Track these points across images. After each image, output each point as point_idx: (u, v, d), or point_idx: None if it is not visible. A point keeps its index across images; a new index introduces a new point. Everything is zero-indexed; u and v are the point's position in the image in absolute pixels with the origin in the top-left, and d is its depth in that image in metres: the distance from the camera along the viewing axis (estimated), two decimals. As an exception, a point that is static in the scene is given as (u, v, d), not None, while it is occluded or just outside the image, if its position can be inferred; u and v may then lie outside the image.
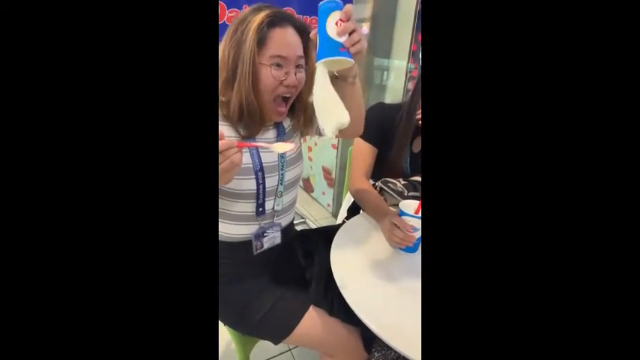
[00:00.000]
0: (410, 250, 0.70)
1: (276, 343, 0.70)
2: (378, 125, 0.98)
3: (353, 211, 1.05)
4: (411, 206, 0.69)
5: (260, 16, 0.58)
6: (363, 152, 1.01)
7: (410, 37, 1.41)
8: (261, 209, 0.68)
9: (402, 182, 0.88)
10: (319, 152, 2.06)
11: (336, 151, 1.88)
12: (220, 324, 0.74)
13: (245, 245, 0.70)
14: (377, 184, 0.95)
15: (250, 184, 0.65)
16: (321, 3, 0.49)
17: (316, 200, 2.19)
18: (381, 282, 0.62)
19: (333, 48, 0.49)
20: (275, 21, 0.59)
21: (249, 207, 0.67)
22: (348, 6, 0.49)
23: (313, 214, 2.05)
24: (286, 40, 0.60)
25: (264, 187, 0.67)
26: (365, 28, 1.58)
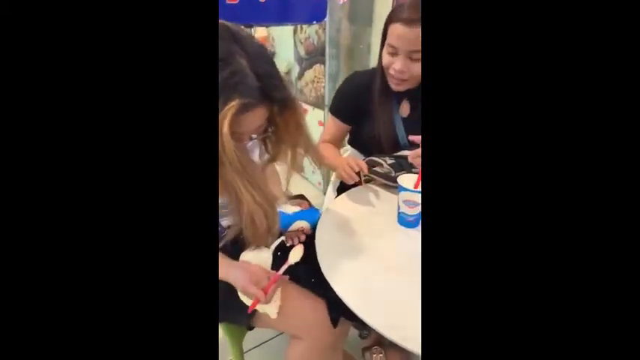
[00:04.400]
0: (411, 225, 0.68)
1: (245, 324, 0.70)
2: (350, 98, 0.94)
3: (341, 191, 1.01)
4: (410, 181, 0.67)
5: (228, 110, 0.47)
6: (328, 125, 0.99)
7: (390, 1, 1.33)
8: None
9: (389, 162, 0.83)
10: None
11: (322, 128, 1.82)
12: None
13: None
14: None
15: None
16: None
17: (307, 179, 2.15)
18: (367, 264, 0.59)
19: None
20: (245, 108, 0.49)
21: None
22: None
23: (305, 194, 2.03)
24: (253, 120, 0.53)
25: None
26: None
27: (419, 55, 0.76)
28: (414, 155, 0.76)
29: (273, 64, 0.53)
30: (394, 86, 0.84)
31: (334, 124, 0.98)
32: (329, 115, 0.99)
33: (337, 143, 1.02)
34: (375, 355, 1.05)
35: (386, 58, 0.80)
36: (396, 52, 0.78)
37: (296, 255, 0.63)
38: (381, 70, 0.85)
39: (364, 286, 0.54)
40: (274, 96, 0.52)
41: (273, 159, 0.66)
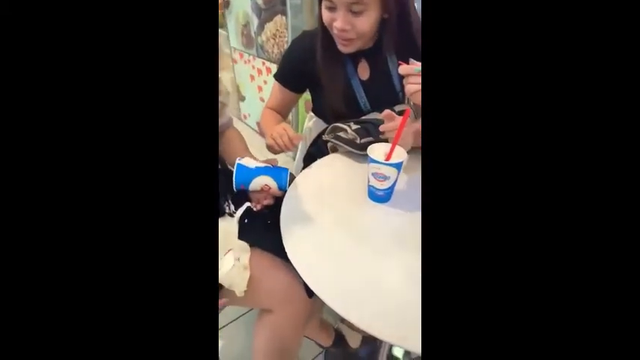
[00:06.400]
0: (381, 199, 0.63)
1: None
2: (296, 64, 0.82)
3: (308, 159, 0.95)
4: (381, 152, 0.59)
5: None
6: (273, 91, 0.90)
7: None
8: None
9: (354, 127, 0.74)
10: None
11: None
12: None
13: None
14: (326, 136, 0.81)
15: None
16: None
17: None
18: (333, 242, 0.55)
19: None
20: None
21: None
22: None
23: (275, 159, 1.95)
24: None
25: None
26: None
27: (361, 7, 0.63)
28: (389, 128, 0.66)
29: None
30: (341, 47, 0.71)
31: (279, 91, 0.88)
32: (274, 81, 0.88)
33: (283, 111, 0.92)
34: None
35: (325, 15, 0.67)
36: (334, 6, 0.64)
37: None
38: (322, 30, 0.71)
39: (327, 268, 0.50)
40: None
41: None
